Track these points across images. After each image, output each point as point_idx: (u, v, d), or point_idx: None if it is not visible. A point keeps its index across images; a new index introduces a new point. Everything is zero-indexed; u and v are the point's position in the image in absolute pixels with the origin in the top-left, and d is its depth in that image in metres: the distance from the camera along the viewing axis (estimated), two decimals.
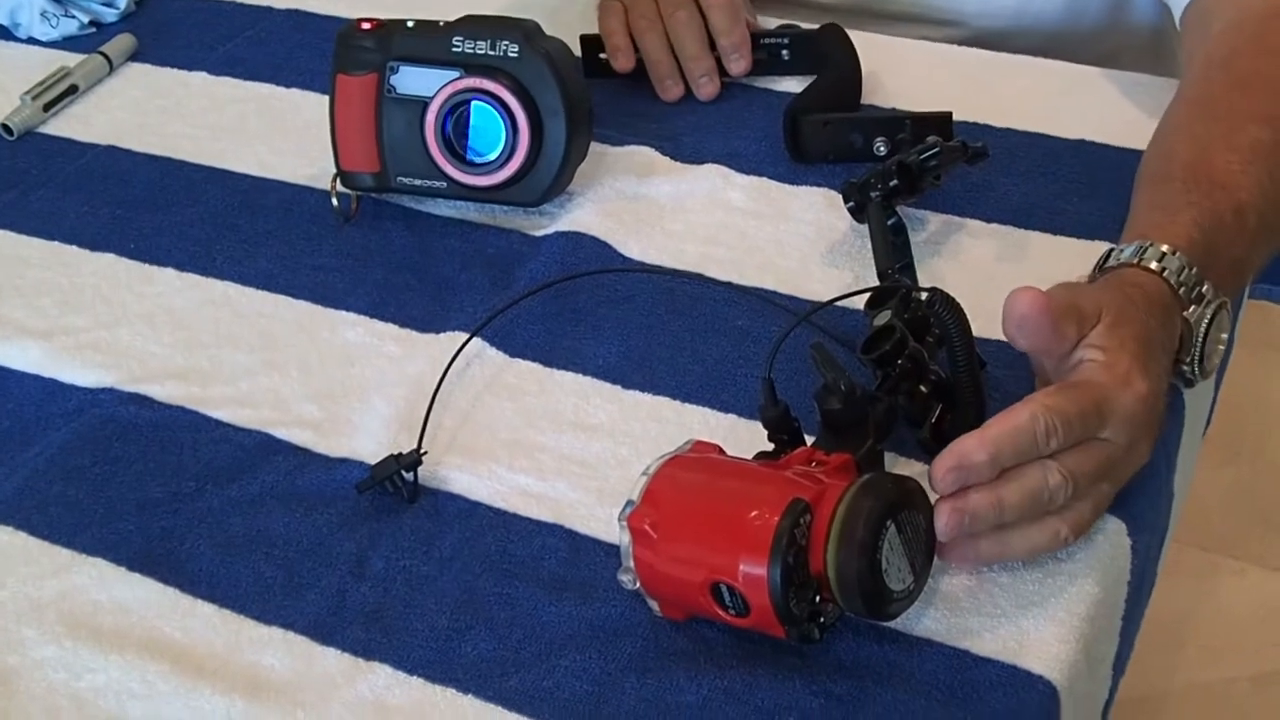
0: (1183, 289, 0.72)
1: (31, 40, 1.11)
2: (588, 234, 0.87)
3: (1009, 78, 0.98)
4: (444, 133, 0.87)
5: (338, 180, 0.90)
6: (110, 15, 1.13)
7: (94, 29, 1.12)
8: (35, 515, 0.73)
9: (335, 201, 0.90)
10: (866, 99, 0.97)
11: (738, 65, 0.99)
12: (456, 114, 0.86)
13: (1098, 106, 0.95)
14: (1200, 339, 0.73)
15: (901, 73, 0.98)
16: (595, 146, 0.91)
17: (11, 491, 0.74)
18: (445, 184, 0.89)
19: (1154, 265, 0.72)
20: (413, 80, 0.87)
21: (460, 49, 0.86)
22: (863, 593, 0.59)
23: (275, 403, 0.78)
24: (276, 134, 1.00)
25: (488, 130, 0.87)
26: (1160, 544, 0.77)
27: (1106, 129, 0.92)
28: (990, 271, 0.82)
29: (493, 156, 0.87)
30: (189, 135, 1.00)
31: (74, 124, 1.02)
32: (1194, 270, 0.72)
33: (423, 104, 0.87)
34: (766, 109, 0.97)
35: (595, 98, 0.89)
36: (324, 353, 0.81)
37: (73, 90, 1.04)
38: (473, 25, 0.87)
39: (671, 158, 0.94)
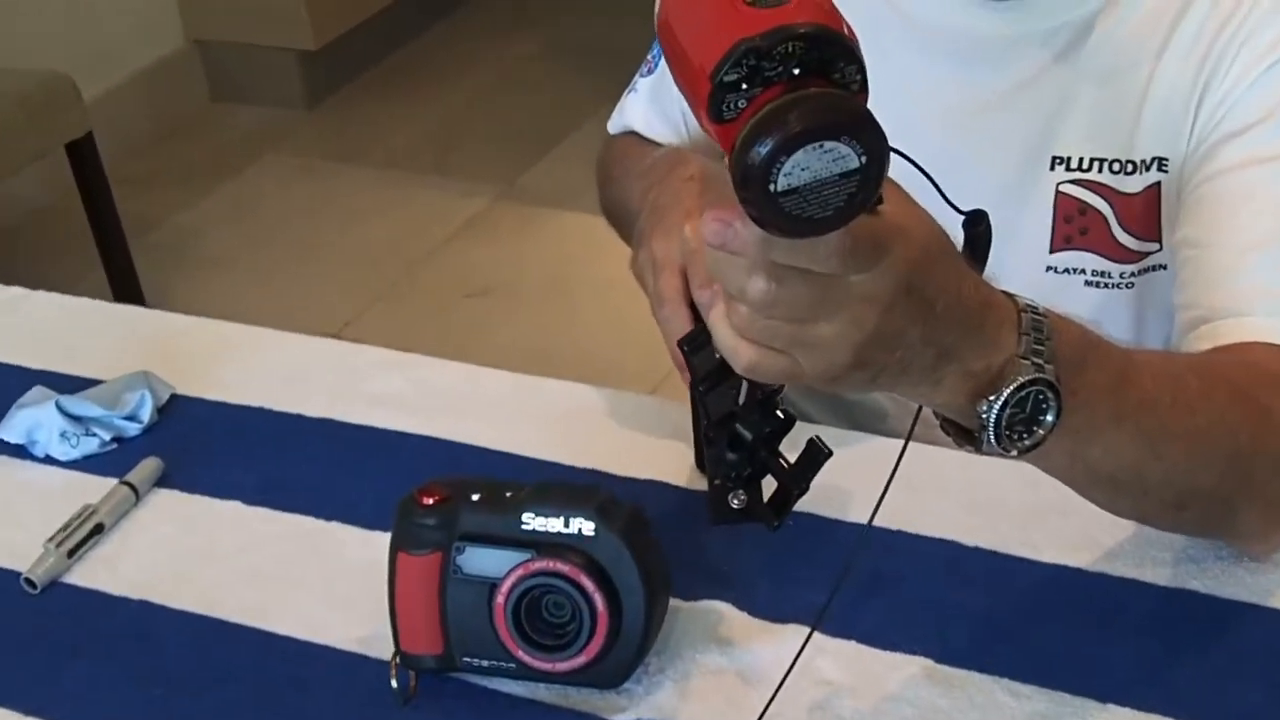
0: (1025, 336, 0.65)
1: (49, 459, 1.05)
2: None
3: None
4: (514, 616, 0.81)
5: (397, 659, 0.84)
6: (133, 430, 1.07)
7: (115, 444, 1.06)
8: None
9: (395, 683, 0.84)
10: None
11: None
12: (528, 596, 0.81)
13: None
14: (1008, 392, 0.65)
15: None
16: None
17: None
18: (515, 665, 0.83)
19: (1021, 302, 0.66)
20: (480, 560, 0.82)
21: (531, 527, 0.81)
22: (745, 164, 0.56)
23: None
24: (321, 581, 0.94)
25: (561, 613, 0.81)
26: None
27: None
28: None
29: (567, 640, 0.81)
30: (226, 585, 0.94)
31: (100, 571, 0.95)
32: (1050, 342, 0.66)
33: (490, 585, 0.81)
34: (833, 545, 0.92)
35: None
36: None
37: (98, 529, 0.97)
38: (543, 499, 0.82)
39: (749, 614, 0.88)
